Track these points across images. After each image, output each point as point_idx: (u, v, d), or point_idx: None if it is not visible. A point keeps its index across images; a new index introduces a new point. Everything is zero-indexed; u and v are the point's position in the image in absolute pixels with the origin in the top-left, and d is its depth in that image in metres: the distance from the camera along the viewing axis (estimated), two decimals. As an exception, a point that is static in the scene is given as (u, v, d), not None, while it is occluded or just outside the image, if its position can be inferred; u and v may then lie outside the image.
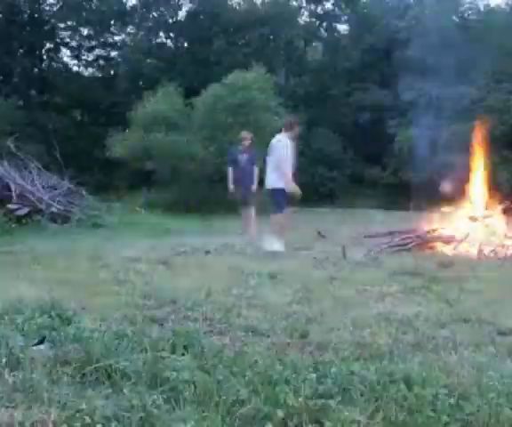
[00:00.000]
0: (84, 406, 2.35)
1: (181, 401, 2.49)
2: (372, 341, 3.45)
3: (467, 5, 28.33)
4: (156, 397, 2.47)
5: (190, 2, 30.09)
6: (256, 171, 10.60)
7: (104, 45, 31.11)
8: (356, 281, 5.56)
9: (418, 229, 8.97)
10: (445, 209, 9.68)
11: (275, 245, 7.88)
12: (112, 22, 30.48)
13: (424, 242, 8.45)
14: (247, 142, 10.83)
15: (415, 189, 18.82)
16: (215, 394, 2.51)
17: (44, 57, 30.73)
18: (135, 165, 19.22)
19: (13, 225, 10.20)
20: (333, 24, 32.56)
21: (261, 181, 9.42)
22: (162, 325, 3.75)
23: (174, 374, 2.69)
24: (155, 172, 18.99)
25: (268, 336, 3.58)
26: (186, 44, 30.61)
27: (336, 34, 32.53)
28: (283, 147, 8.16)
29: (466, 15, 28.34)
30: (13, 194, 10.97)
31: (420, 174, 18.62)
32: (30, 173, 12.34)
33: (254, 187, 10.59)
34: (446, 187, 10.65)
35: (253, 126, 17.12)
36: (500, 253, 7.93)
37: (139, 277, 5.49)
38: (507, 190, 14.17)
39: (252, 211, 10.54)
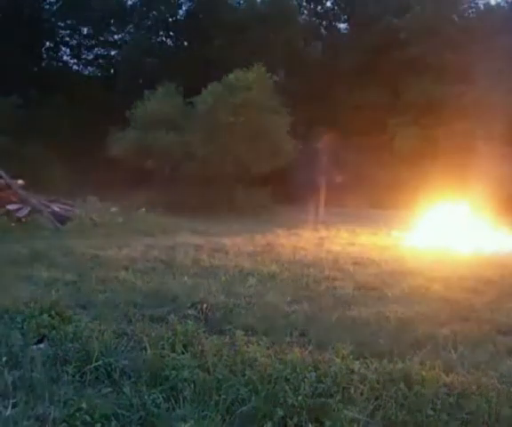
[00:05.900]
0: (83, 404, 2.35)
1: (181, 400, 2.49)
2: (371, 340, 3.45)
3: (466, 4, 28.29)
4: (155, 395, 2.47)
5: (190, 1, 30.07)
6: None
7: (104, 44, 31.06)
8: (355, 280, 5.56)
9: None
10: None
11: None
12: (112, 21, 30.44)
13: None
14: None
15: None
16: (215, 393, 2.51)
17: (44, 56, 30.69)
18: (135, 164, 19.18)
19: (13, 224, 10.17)
20: (333, 23, 32.55)
21: None
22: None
23: (174, 372, 2.69)
24: (155, 171, 18.93)
25: (268, 335, 3.58)
26: (186, 43, 30.58)
27: (336, 33, 32.48)
28: None
29: (466, 14, 28.28)
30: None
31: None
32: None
33: None
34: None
35: (253, 125, 17.13)
36: None
37: (138, 277, 5.49)
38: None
39: None
